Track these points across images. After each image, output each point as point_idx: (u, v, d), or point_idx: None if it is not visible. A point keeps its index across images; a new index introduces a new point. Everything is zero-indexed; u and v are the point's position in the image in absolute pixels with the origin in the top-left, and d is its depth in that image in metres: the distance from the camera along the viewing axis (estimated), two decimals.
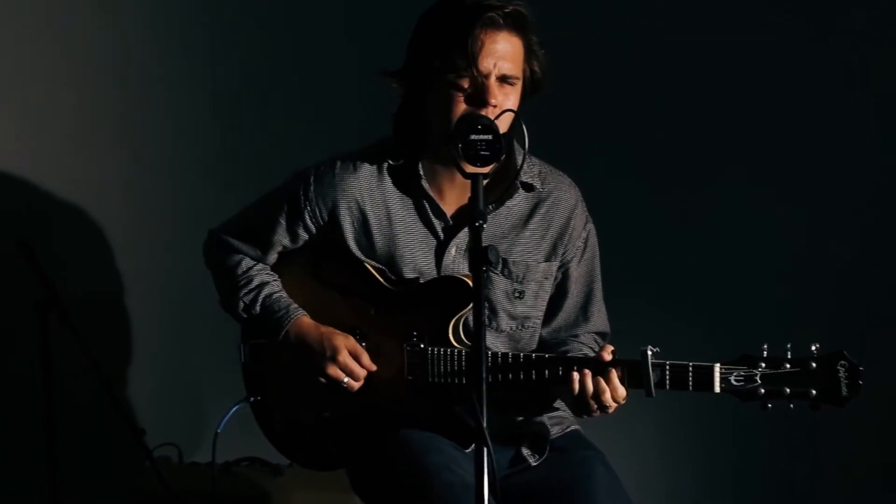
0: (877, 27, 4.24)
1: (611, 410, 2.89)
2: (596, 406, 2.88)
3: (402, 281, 3.04)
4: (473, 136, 2.65)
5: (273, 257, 3.17)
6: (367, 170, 3.05)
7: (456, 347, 2.97)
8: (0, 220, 4.11)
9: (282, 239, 3.12)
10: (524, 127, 2.78)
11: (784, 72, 4.25)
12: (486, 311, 2.99)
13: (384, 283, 3.05)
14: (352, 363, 3.02)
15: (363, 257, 3.06)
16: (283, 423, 3.18)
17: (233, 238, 3.17)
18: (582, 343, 3.13)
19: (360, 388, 3.04)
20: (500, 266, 3.04)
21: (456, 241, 3.03)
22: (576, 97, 4.01)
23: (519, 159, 2.97)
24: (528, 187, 3.06)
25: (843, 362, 2.74)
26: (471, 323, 2.81)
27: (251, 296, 3.13)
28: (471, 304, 2.85)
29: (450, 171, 2.98)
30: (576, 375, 2.87)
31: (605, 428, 3.16)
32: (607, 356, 2.87)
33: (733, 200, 4.27)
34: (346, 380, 3.02)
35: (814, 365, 2.75)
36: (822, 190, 4.26)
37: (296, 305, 3.10)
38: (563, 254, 3.09)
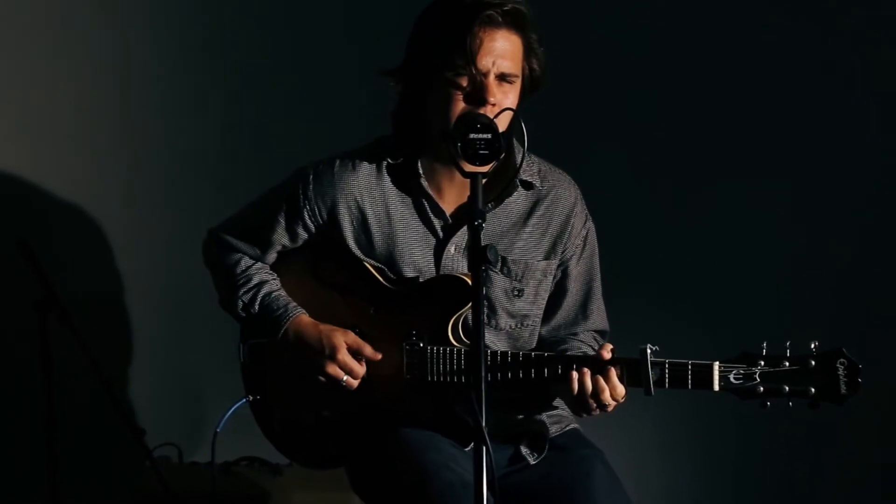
0: (877, 27, 4.24)
1: (610, 409, 2.89)
2: (595, 405, 2.88)
3: (402, 280, 3.04)
4: (472, 135, 2.64)
5: (272, 256, 3.17)
6: (366, 168, 3.05)
7: (455, 346, 2.97)
8: (0, 220, 4.11)
9: (281, 238, 3.12)
10: (523, 125, 2.77)
11: (784, 72, 4.25)
12: (486, 310, 2.99)
13: (383, 282, 3.05)
14: (351, 361, 3.02)
15: (362, 256, 3.06)
16: (283, 423, 3.18)
17: (232, 237, 3.17)
18: (581, 341, 3.13)
19: (360, 387, 3.04)
20: (499, 264, 3.04)
21: (455, 239, 3.03)
22: (575, 96, 4.02)
23: (518, 157, 2.96)
24: (528, 185, 3.06)
25: (842, 360, 2.74)
26: (470, 321, 2.82)
27: (250, 295, 3.13)
28: (470, 303, 2.85)
29: (449, 169, 2.98)
30: (575, 374, 2.87)
31: (604, 426, 3.16)
32: (606, 354, 2.87)
33: (733, 200, 4.27)
34: (345, 378, 3.02)
35: (813, 363, 2.75)
36: (822, 190, 4.26)
37: (294, 304, 3.10)
38: (563, 252, 3.10)
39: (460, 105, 2.88)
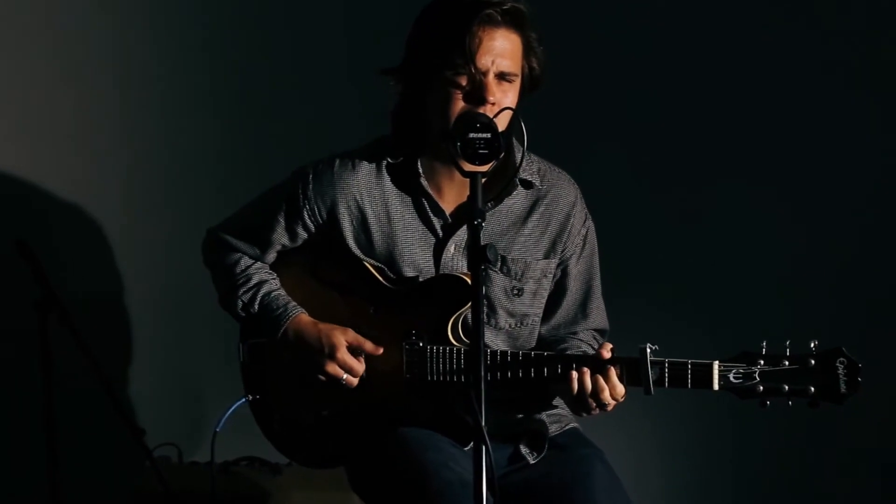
0: (877, 27, 4.24)
1: (609, 408, 2.89)
2: (595, 404, 2.88)
3: (401, 279, 3.04)
4: (472, 135, 2.64)
5: (272, 256, 3.17)
6: (365, 168, 3.05)
7: (455, 346, 2.97)
8: (0, 220, 4.11)
9: (280, 238, 3.12)
10: (523, 124, 2.77)
11: (784, 72, 4.25)
12: (485, 309, 2.99)
13: (383, 281, 3.05)
14: (350, 360, 3.02)
15: (362, 256, 3.06)
16: (282, 423, 3.18)
17: (231, 237, 3.17)
18: (581, 340, 3.13)
19: (359, 387, 3.04)
20: (498, 264, 3.04)
21: (455, 238, 3.03)
22: (575, 95, 4.02)
23: (518, 157, 2.97)
24: (527, 185, 3.06)
25: (841, 359, 2.74)
26: (469, 321, 2.82)
27: (249, 294, 3.13)
28: (469, 303, 2.84)
29: (448, 169, 2.98)
30: (574, 373, 2.87)
31: (603, 426, 3.16)
32: (606, 354, 2.87)
33: (733, 200, 4.26)
34: (344, 377, 3.02)
35: (812, 362, 2.75)
36: (822, 190, 4.26)
37: (294, 303, 3.10)
38: (563, 251, 3.10)
39: (460, 104, 2.88)
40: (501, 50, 2.88)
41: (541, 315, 3.12)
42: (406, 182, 3.04)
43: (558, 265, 3.11)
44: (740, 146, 4.27)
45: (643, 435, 4.24)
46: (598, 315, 3.17)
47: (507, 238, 3.04)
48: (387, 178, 3.05)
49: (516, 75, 2.91)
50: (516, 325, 3.08)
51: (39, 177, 4.17)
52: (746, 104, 4.26)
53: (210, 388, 4.18)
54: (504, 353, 2.94)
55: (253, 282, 3.13)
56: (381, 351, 3.02)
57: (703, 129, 4.28)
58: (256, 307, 3.12)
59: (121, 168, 4.24)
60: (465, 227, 2.93)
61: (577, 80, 4.03)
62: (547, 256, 3.08)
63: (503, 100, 2.88)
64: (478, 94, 2.87)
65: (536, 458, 3.05)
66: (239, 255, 3.16)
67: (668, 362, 2.82)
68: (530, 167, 3.07)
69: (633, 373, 2.84)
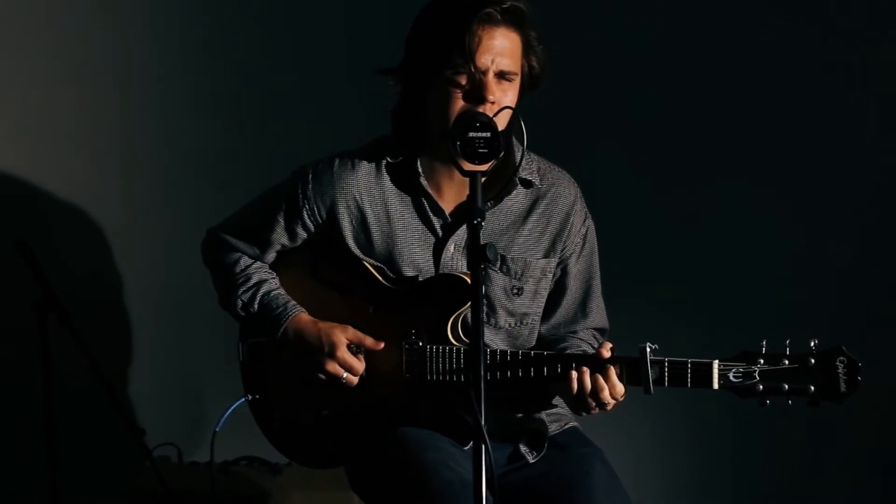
0: (877, 27, 4.24)
1: (609, 408, 2.89)
2: (594, 403, 2.88)
3: (401, 279, 3.04)
4: (472, 134, 2.63)
5: (271, 256, 3.17)
6: (365, 168, 3.05)
7: (454, 345, 2.97)
8: (0, 220, 4.11)
9: (280, 238, 3.12)
10: (523, 123, 2.77)
11: (784, 72, 4.25)
12: (485, 309, 2.99)
13: (383, 281, 3.05)
14: (351, 358, 3.01)
15: (362, 255, 3.06)
16: (282, 422, 3.18)
17: (231, 236, 3.17)
18: (581, 339, 3.13)
19: (359, 386, 3.04)
20: (498, 263, 3.04)
21: (454, 238, 3.03)
22: (575, 94, 4.02)
23: (517, 156, 2.97)
24: (527, 184, 3.06)
25: (841, 358, 2.74)
26: (469, 320, 2.81)
27: (249, 294, 3.12)
28: (469, 302, 2.84)
29: (448, 168, 2.98)
30: (574, 373, 2.87)
31: (603, 425, 3.16)
32: (606, 353, 2.87)
33: (733, 200, 4.26)
34: (344, 375, 3.02)
35: (812, 361, 2.75)
36: (822, 190, 4.26)
37: (294, 302, 3.10)
38: (562, 250, 3.10)
39: (459, 103, 2.88)
40: (501, 49, 2.88)
41: (540, 314, 3.12)
42: (406, 182, 3.04)
43: (558, 264, 3.11)
44: (740, 146, 4.27)
45: (643, 434, 4.24)
46: (598, 314, 3.17)
47: (506, 237, 3.04)
48: (386, 178, 3.05)
49: (516, 74, 2.91)
50: (516, 324, 3.08)
51: (39, 177, 4.17)
52: (746, 104, 4.26)
53: (210, 388, 4.18)
54: (504, 353, 2.94)
55: (252, 281, 3.13)
56: (381, 345, 3.01)
57: (703, 129, 4.28)
58: (256, 306, 3.12)
59: (121, 168, 4.24)
60: (464, 226, 2.93)
61: (577, 80, 4.03)
62: (547, 255, 3.08)
63: (503, 99, 2.88)
64: (477, 93, 2.87)
65: (536, 457, 3.05)
66: (238, 254, 3.16)
67: (668, 361, 2.82)
68: (530, 166, 3.06)
69: (632, 372, 2.84)
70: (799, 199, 4.26)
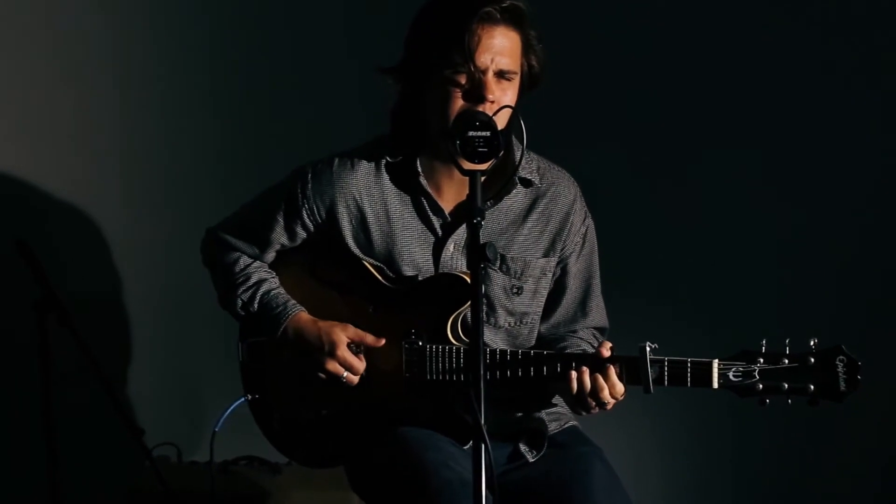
0: (877, 27, 4.24)
1: (609, 407, 2.89)
2: (594, 403, 2.88)
3: (401, 278, 3.04)
4: (471, 133, 2.64)
5: (271, 255, 3.17)
6: (365, 167, 3.05)
7: (454, 345, 2.97)
8: (0, 220, 4.11)
9: (280, 237, 3.12)
10: (522, 123, 2.77)
11: (784, 72, 4.25)
12: (485, 308, 2.99)
13: (382, 280, 3.05)
14: (351, 358, 3.01)
15: (361, 255, 3.06)
16: (282, 422, 3.18)
17: (230, 236, 3.17)
18: (580, 339, 3.13)
19: (359, 386, 3.04)
20: (498, 262, 3.04)
21: (454, 237, 3.03)
22: (575, 93, 4.01)
23: (517, 155, 2.96)
24: (527, 183, 3.06)
25: (841, 357, 2.74)
26: (469, 320, 2.81)
27: (249, 293, 3.12)
28: (469, 301, 2.84)
29: (448, 167, 2.98)
30: (574, 372, 2.87)
31: (603, 424, 3.15)
32: (606, 352, 2.87)
33: (733, 200, 4.26)
34: (345, 374, 3.02)
35: (812, 360, 2.75)
36: (822, 190, 4.26)
37: (294, 301, 3.10)
38: (562, 249, 3.09)
39: (459, 103, 2.88)
40: (500, 48, 2.88)
41: (540, 314, 3.12)
42: (405, 181, 3.04)
43: (558, 263, 3.10)
44: (740, 146, 4.27)
45: (642, 433, 4.24)
46: (598, 313, 3.17)
47: (506, 236, 3.04)
48: (386, 177, 3.05)
49: (515, 73, 2.91)
50: (516, 323, 3.08)
51: (39, 177, 4.17)
52: (746, 104, 4.26)
53: (209, 388, 4.18)
54: (503, 352, 2.94)
55: (252, 280, 3.13)
56: (382, 342, 3.01)
57: (703, 129, 4.28)
58: (256, 306, 3.12)
59: (121, 168, 4.24)
60: (464, 225, 2.94)
61: (577, 80, 4.03)
62: (546, 255, 3.08)
63: (502, 98, 2.88)
64: (477, 92, 2.87)
65: (536, 456, 3.04)
66: (238, 254, 3.16)
67: (668, 361, 2.82)
68: (530, 165, 3.06)
69: (632, 371, 2.84)
70: (799, 199, 4.26)
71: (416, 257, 3.03)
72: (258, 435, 3.24)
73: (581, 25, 4.17)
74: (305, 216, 3.07)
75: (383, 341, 3.01)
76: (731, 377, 2.78)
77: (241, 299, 3.13)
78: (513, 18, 2.89)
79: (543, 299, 3.11)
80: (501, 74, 2.88)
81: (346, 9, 4.28)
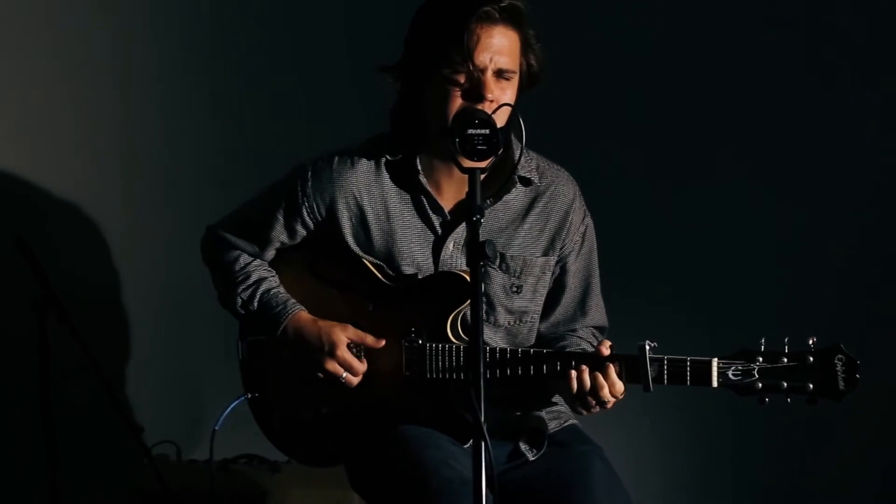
0: (877, 27, 4.24)
1: (609, 406, 2.89)
2: (594, 402, 2.88)
3: (400, 277, 3.04)
4: (470, 131, 2.63)
5: (271, 254, 3.17)
6: (364, 165, 3.05)
7: (454, 343, 2.97)
8: (0, 220, 4.11)
9: (279, 235, 3.12)
10: (522, 121, 2.77)
11: (784, 72, 4.25)
12: (484, 306, 2.99)
13: (382, 278, 3.05)
14: (350, 358, 3.01)
15: (361, 253, 3.06)
16: (282, 420, 3.17)
17: (230, 234, 3.17)
18: (580, 337, 3.13)
19: (359, 384, 3.04)
20: (497, 261, 3.04)
21: (454, 236, 3.03)
22: (575, 92, 4.01)
23: (516, 154, 2.96)
24: (526, 182, 3.06)
25: (840, 356, 2.74)
26: (469, 318, 2.81)
27: (249, 292, 3.12)
28: (468, 300, 2.84)
29: (447, 165, 2.98)
30: (573, 371, 2.87)
31: (603, 422, 3.15)
32: (605, 351, 2.87)
33: (733, 200, 4.26)
34: (344, 375, 3.02)
35: (811, 359, 2.75)
36: (822, 190, 4.26)
37: (294, 300, 3.10)
38: (561, 248, 3.10)
39: (458, 102, 2.88)
40: (499, 47, 2.88)
41: (540, 312, 3.12)
42: (405, 179, 3.04)
43: (557, 262, 3.11)
44: (740, 146, 4.27)
45: (642, 432, 4.24)
46: (597, 312, 3.17)
47: (505, 235, 3.04)
48: (386, 176, 3.05)
49: (514, 72, 2.91)
50: (515, 322, 3.08)
51: (39, 177, 4.17)
52: (746, 104, 4.26)
53: (209, 387, 4.18)
54: (503, 351, 2.94)
55: (252, 279, 3.13)
56: (382, 343, 3.01)
57: (702, 129, 4.28)
58: (256, 304, 3.12)
59: (121, 168, 4.24)
60: (463, 224, 2.94)
61: (576, 80, 4.03)
62: (546, 253, 3.08)
63: (501, 97, 2.88)
64: (476, 91, 2.87)
65: (536, 455, 3.05)
66: (238, 252, 3.16)
67: (667, 359, 2.81)
68: (529, 164, 3.06)
69: (632, 370, 2.84)
70: (799, 199, 4.26)
71: (415, 255, 3.04)
72: (258, 433, 3.24)
73: (580, 25, 4.17)
74: (305, 214, 3.07)
75: (383, 342, 3.01)
76: (730, 376, 2.78)
77: (241, 298, 3.13)
78: (511, 18, 2.89)
79: (543, 298, 3.11)
80: (500, 73, 2.89)
81: (346, 9, 4.29)
